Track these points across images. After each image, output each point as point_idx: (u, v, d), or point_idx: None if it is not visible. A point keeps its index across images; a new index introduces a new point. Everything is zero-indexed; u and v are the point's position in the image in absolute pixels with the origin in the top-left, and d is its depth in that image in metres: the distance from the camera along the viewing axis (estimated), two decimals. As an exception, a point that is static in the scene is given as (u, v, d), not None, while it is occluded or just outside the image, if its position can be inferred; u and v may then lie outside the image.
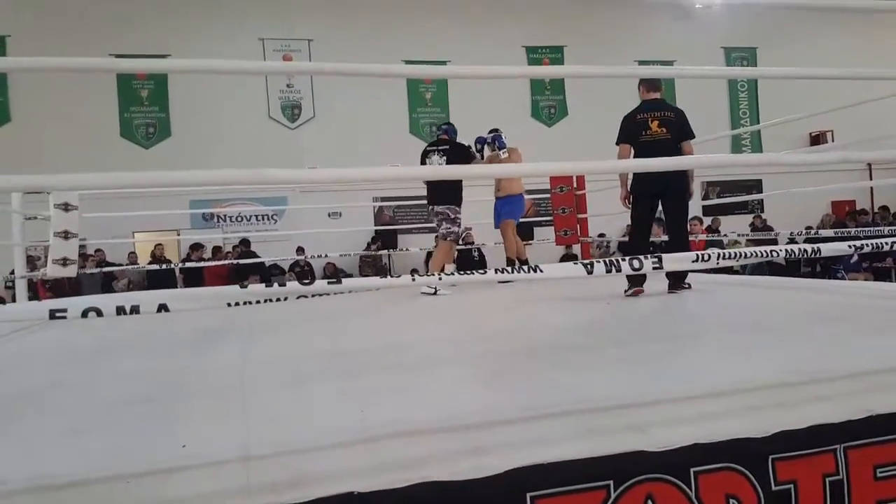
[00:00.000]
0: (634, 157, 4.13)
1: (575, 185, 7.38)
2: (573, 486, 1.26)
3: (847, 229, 8.10)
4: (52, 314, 1.52)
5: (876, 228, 6.00)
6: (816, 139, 14.09)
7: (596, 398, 1.69)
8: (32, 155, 10.97)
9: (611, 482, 1.27)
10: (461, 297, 4.85)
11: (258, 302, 1.65)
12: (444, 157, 5.35)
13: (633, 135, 4.16)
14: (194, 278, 10.45)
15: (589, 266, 1.88)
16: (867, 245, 2.24)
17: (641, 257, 1.93)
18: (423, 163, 5.46)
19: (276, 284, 1.62)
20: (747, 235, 8.09)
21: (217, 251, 11.55)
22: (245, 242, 11.21)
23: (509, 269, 1.91)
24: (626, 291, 4.11)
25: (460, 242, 11.33)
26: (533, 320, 3.61)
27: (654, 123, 4.13)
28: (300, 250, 11.28)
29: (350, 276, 12.15)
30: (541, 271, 1.91)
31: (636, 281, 4.07)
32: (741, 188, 13.79)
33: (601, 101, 13.48)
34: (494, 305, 4.32)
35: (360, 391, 1.98)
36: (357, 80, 11.10)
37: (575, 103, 14.02)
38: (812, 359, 2.02)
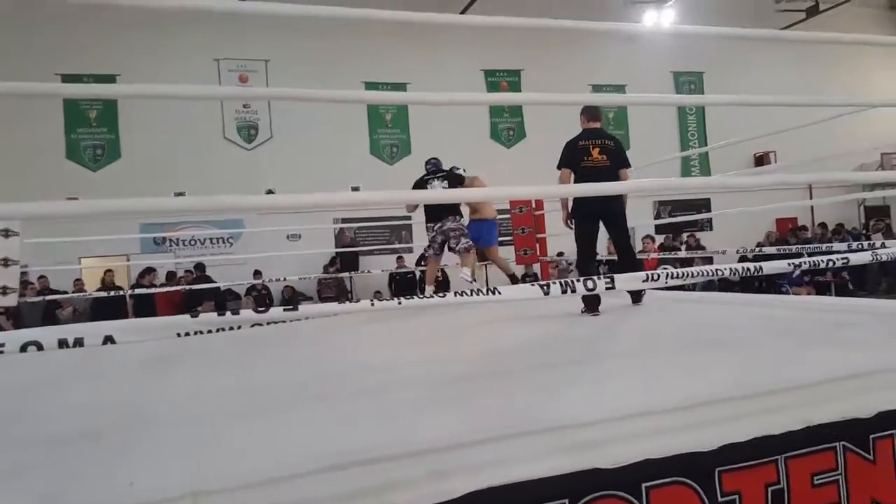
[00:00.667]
0: (575, 181, 4.35)
1: (534, 206, 7.52)
2: (530, 506, 1.28)
3: (788, 246, 8.43)
4: (-12, 349, 1.46)
5: (815, 246, 6.27)
6: (760, 160, 14.68)
7: (553, 418, 1.73)
8: (-30, 177, 10.56)
9: (566, 500, 1.31)
10: (421, 319, 4.86)
11: (210, 332, 1.62)
12: (446, 182, 5.72)
13: (576, 160, 4.36)
14: (145, 305, 10.11)
15: (545, 287, 1.93)
16: (805, 263, 2.35)
17: (595, 278, 1.99)
18: (422, 188, 5.82)
19: (228, 313, 1.61)
20: (689, 252, 8.34)
21: (171, 276, 11.22)
22: (200, 267, 10.94)
23: (467, 291, 1.94)
24: (582, 311, 4.21)
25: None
26: (492, 341, 3.64)
27: (595, 150, 4.34)
28: (257, 274, 11.11)
29: (310, 299, 12.04)
30: (499, 293, 1.95)
31: (592, 304, 4.20)
32: (691, 207, 14.25)
33: (557, 123, 13.68)
34: (455, 326, 4.34)
35: (319, 419, 1.96)
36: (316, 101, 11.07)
37: (532, 126, 14.29)
38: (757, 372, 2.11)
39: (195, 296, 9.80)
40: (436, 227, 5.75)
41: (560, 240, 10.27)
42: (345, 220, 11.67)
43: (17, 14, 11.34)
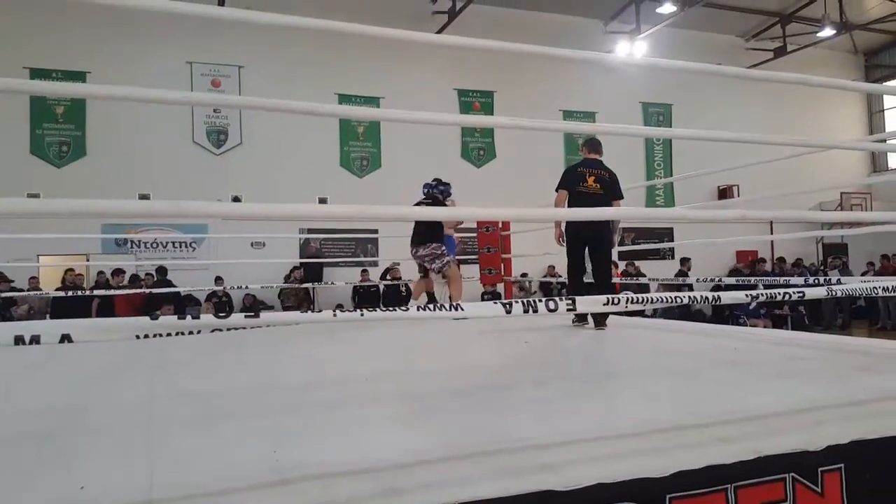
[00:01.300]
0: (569, 205, 4.73)
1: (500, 226, 7.57)
2: (483, 526, 1.28)
3: (748, 277, 8.65)
4: (-59, 344, 1.41)
5: (772, 278, 6.45)
6: (724, 193, 15.06)
7: (511, 438, 1.73)
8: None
9: (519, 521, 1.30)
10: (382, 332, 4.83)
11: (170, 335, 1.59)
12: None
13: (572, 184, 4.78)
14: (105, 307, 9.87)
15: (508, 306, 1.94)
16: (762, 295, 2.41)
17: (556, 299, 2.01)
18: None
19: (189, 317, 1.58)
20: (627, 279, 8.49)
21: (134, 279, 10.98)
22: (162, 271, 10.71)
23: (430, 306, 1.94)
24: (573, 322, 4.72)
25: (388, 277, 11.38)
26: (454, 358, 3.64)
27: (591, 179, 4.75)
28: (219, 280, 10.91)
29: (271, 307, 11.86)
30: (462, 310, 1.95)
31: (581, 315, 4.65)
32: (655, 235, 14.55)
33: (527, 146, 14.01)
34: (417, 342, 4.33)
35: (275, 430, 1.93)
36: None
37: (503, 147, 14.45)
38: (712, 401, 2.15)
39: (155, 299, 9.58)
40: (413, 252, 5.91)
41: (525, 261, 10.45)
42: (311, 231, 11.58)
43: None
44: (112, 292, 9.12)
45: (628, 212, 3.33)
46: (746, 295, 2.33)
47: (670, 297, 2.26)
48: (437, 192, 6.02)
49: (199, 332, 1.69)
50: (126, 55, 11.79)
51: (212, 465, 1.60)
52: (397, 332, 4.71)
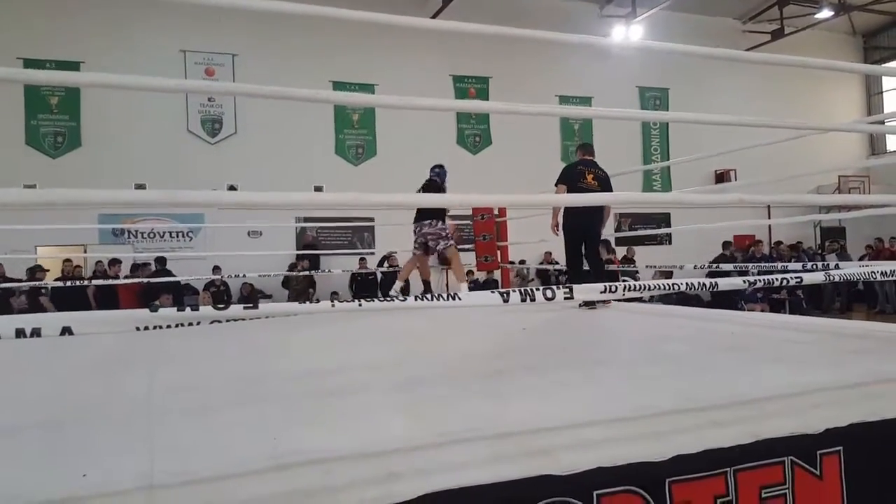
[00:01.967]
0: None
1: (496, 213, 7.55)
2: (482, 511, 1.29)
3: (746, 263, 8.65)
4: (-59, 337, 1.41)
5: (770, 264, 6.45)
6: (721, 177, 15.04)
7: (508, 423, 1.74)
8: (-77, 160, 10.18)
9: (518, 506, 1.31)
10: (379, 320, 4.83)
11: (169, 326, 1.59)
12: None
13: (573, 180, 5.13)
14: (107, 296, 9.87)
15: (505, 295, 1.94)
16: (760, 280, 2.42)
17: (554, 287, 2.01)
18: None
19: (188, 309, 1.58)
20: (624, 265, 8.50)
21: (136, 268, 10.97)
22: (161, 261, 10.69)
23: (428, 296, 1.94)
24: (580, 305, 4.85)
25: (385, 265, 11.37)
26: (451, 345, 3.65)
27: (590, 176, 5.13)
28: (216, 269, 10.89)
29: (269, 297, 11.85)
30: (459, 299, 1.95)
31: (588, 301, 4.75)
32: (651, 220, 14.55)
33: (523, 133, 13.95)
34: (415, 330, 4.34)
35: (273, 418, 1.94)
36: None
37: (499, 133, 14.40)
38: (710, 386, 2.15)
39: (153, 288, 9.59)
40: (416, 229, 5.99)
41: (521, 248, 10.44)
42: (307, 220, 11.55)
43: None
44: (110, 282, 9.13)
45: (625, 196, 3.34)
46: (744, 281, 2.33)
47: (668, 284, 2.26)
48: (434, 175, 6.13)
49: (198, 323, 1.69)
50: (120, 44, 11.69)
51: (212, 451, 1.61)
52: (395, 319, 4.72)
